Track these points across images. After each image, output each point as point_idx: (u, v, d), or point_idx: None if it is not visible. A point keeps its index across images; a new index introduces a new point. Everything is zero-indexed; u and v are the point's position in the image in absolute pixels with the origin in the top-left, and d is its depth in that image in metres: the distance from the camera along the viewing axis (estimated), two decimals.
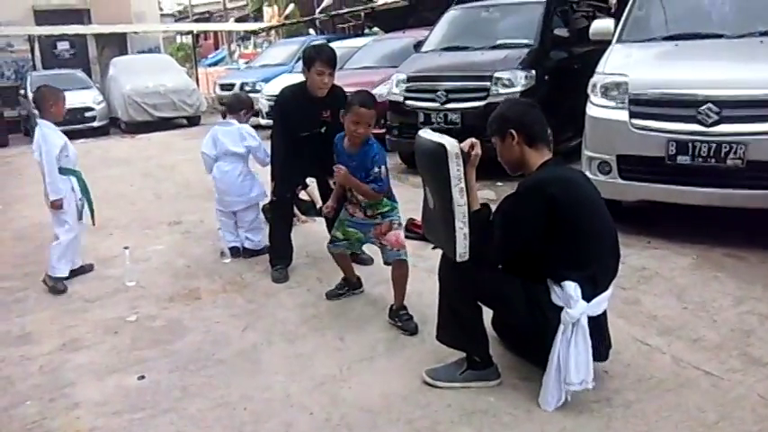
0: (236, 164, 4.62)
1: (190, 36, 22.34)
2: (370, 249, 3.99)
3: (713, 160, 4.00)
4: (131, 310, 3.85)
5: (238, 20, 26.75)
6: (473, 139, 2.57)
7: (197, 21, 28.27)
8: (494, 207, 2.64)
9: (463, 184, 2.42)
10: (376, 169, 3.32)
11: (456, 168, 2.40)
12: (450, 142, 2.43)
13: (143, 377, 3.02)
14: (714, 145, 3.98)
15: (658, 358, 2.87)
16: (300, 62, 4.22)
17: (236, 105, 4.75)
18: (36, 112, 4.46)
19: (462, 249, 2.45)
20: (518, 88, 6.32)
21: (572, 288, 2.44)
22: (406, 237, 4.55)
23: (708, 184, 4.08)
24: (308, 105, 3.92)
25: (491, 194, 5.55)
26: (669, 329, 3.13)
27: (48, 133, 4.21)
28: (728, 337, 3.03)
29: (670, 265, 3.98)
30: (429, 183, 2.67)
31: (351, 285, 3.79)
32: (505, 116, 2.66)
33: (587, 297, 2.45)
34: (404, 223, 4.65)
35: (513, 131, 2.60)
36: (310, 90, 3.89)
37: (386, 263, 3.43)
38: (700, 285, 3.65)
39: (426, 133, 2.72)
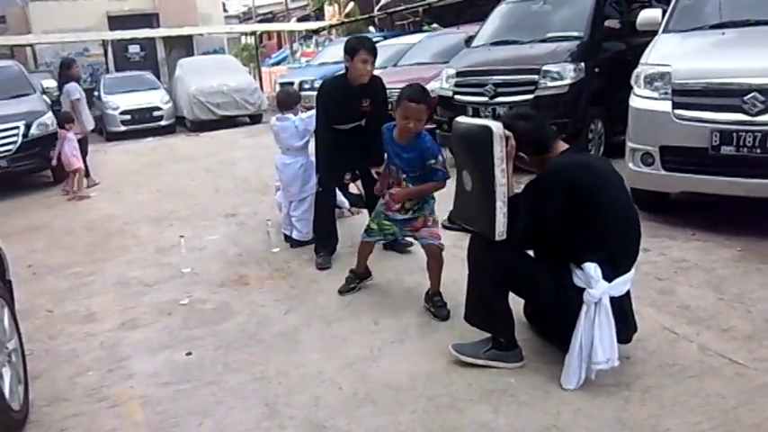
0: (297, 157, 4.80)
1: (253, 36, 22.99)
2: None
3: (758, 150, 3.93)
4: (185, 294, 4.12)
5: (300, 19, 27.30)
6: (507, 132, 2.65)
7: (260, 21, 29.01)
8: None
9: (505, 165, 2.53)
10: (432, 160, 3.35)
11: (500, 149, 2.51)
12: (495, 124, 2.55)
13: (190, 353, 3.26)
14: (759, 135, 3.91)
15: (684, 346, 2.88)
16: None
17: (287, 101, 4.96)
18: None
19: (501, 228, 2.55)
20: (567, 81, 6.30)
21: (592, 269, 2.51)
22: (449, 228, 4.70)
23: (753, 174, 4.00)
24: (349, 96, 4.11)
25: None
26: (700, 319, 3.13)
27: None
28: (762, 327, 3.00)
29: (712, 256, 3.93)
30: (468, 165, 2.75)
31: (360, 277, 3.86)
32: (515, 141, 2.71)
33: (608, 278, 2.52)
34: (446, 215, 4.79)
35: (522, 154, 2.69)
36: (352, 79, 4.07)
37: (422, 246, 3.53)
38: (740, 277, 3.60)
39: (464, 119, 2.86)
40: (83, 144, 8.27)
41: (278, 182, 5.19)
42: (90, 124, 8.86)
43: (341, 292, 3.83)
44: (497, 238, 2.54)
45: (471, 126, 2.71)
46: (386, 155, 3.66)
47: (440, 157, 3.38)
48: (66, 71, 8.55)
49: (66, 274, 4.79)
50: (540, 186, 2.60)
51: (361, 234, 3.79)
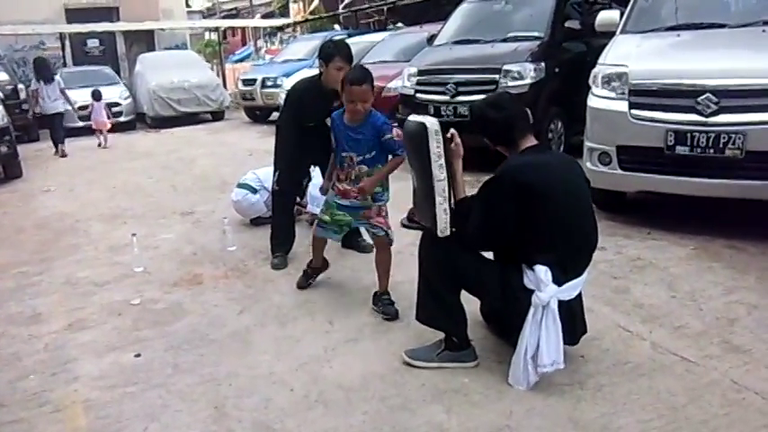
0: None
1: (217, 32, 22.65)
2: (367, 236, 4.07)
3: (712, 150, 3.98)
4: (136, 293, 4.00)
5: (265, 16, 27.04)
6: (452, 130, 2.64)
7: (224, 17, 28.62)
8: None
9: (443, 161, 2.51)
10: (389, 134, 3.30)
11: (436, 145, 2.49)
12: (429, 120, 2.54)
13: (139, 355, 3.15)
14: (713, 135, 3.96)
15: (637, 344, 2.89)
16: None
17: None
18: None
19: (443, 225, 2.53)
20: (527, 81, 6.33)
21: (542, 272, 2.49)
22: (408, 227, 4.67)
23: (707, 174, 4.05)
24: (321, 98, 4.02)
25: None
26: (653, 317, 3.15)
27: None
28: (712, 325, 3.04)
29: (666, 255, 3.97)
30: (413, 163, 2.76)
31: (316, 271, 3.85)
32: (480, 126, 2.73)
33: (558, 281, 2.50)
34: (405, 214, 4.75)
35: (487, 141, 2.72)
36: (326, 83, 3.99)
37: (373, 237, 3.51)
38: (693, 275, 3.65)
39: (413, 117, 2.82)
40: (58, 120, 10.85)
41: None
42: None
43: (300, 286, 3.82)
44: (440, 234, 2.52)
45: (412, 123, 2.68)
46: (333, 145, 3.52)
47: (395, 131, 3.32)
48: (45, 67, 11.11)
49: (13, 274, 4.60)
50: (492, 188, 2.56)
51: (314, 229, 3.69)
